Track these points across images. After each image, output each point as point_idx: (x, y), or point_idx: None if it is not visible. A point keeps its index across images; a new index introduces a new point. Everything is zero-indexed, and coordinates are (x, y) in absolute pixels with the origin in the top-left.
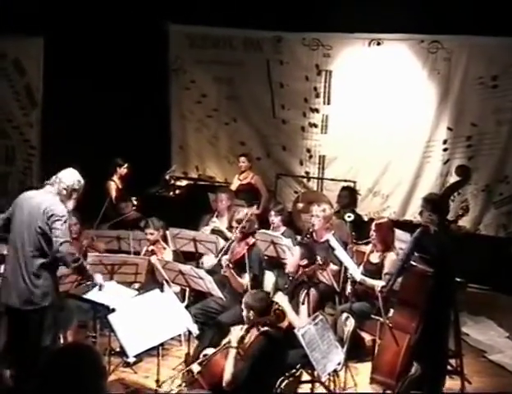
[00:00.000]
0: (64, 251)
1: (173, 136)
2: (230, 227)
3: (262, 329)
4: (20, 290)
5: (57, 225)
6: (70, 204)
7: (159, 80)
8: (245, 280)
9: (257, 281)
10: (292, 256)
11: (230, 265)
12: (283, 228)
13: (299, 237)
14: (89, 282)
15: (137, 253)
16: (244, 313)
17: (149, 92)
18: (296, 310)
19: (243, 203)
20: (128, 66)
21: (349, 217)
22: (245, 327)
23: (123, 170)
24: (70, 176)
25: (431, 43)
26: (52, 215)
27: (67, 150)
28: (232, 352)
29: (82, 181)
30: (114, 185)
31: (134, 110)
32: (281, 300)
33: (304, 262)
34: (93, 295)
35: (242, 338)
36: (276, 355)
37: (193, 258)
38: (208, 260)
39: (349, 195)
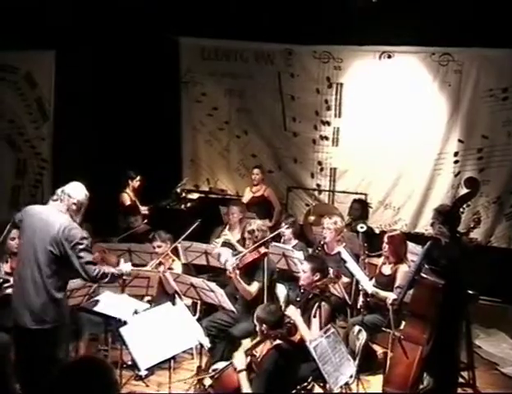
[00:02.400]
0: (97, 277)
1: (184, 149)
2: (242, 240)
3: (274, 343)
4: (33, 310)
5: (82, 253)
6: (78, 219)
7: (170, 92)
8: (253, 288)
9: (267, 292)
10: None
11: (237, 270)
12: (295, 241)
13: (310, 250)
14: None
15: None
16: (258, 326)
17: (160, 105)
18: (308, 324)
19: (254, 216)
20: (139, 79)
21: (361, 227)
22: (255, 340)
23: (135, 182)
24: (79, 191)
25: (442, 56)
26: (72, 241)
27: (79, 163)
28: (243, 376)
29: (88, 195)
30: (127, 197)
31: (145, 123)
32: (293, 313)
33: (317, 276)
34: (104, 308)
35: (254, 348)
36: (288, 368)
37: (205, 271)
38: (225, 255)
39: (361, 208)
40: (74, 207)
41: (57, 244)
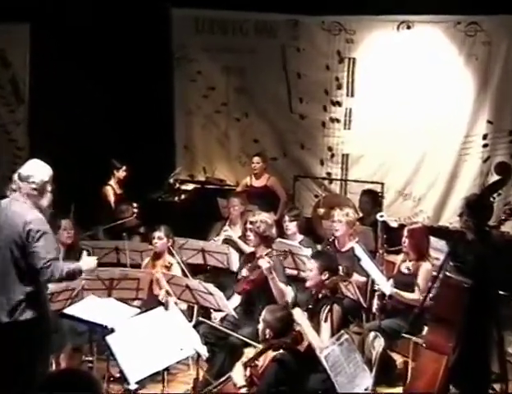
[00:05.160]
0: (49, 274)
1: (177, 135)
2: (243, 237)
3: (276, 353)
4: (7, 305)
5: (39, 242)
6: (46, 201)
7: (161, 71)
8: (288, 289)
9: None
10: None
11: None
12: (300, 236)
13: (319, 246)
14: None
15: (136, 266)
16: (261, 327)
17: (150, 85)
18: (318, 329)
19: (256, 209)
20: (125, 56)
21: (381, 216)
22: (258, 350)
23: (121, 173)
24: (36, 171)
25: (468, 26)
26: (30, 230)
27: (58, 151)
28: (244, 392)
29: (50, 169)
30: (111, 190)
31: (132, 105)
32: (300, 317)
33: (326, 275)
34: (89, 314)
35: (254, 360)
36: (291, 382)
37: (201, 271)
38: (234, 260)
39: (372, 200)
40: (34, 192)
41: (19, 244)
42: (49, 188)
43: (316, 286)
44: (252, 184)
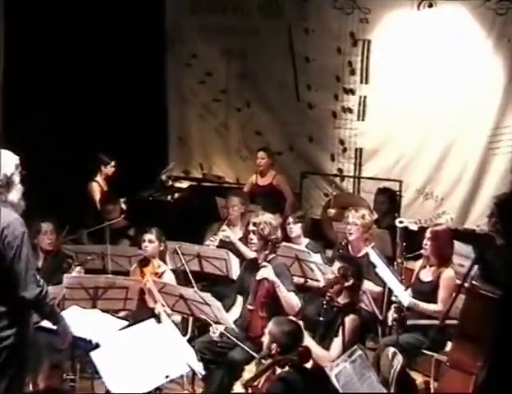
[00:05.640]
0: (39, 296)
1: (171, 125)
2: (244, 238)
3: (281, 371)
4: None
5: (21, 261)
6: (15, 195)
7: (152, 54)
8: (295, 298)
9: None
10: (323, 276)
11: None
12: (305, 240)
13: (330, 251)
14: None
15: (125, 273)
16: (265, 341)
17: (140, 70)
18: (328, 344)
19: (259, 209)
20: (113, 37)
21: (400, 222)
22: (261, 367)
23: (109, 169)
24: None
25: (499, 2)
26: (6, 237)
27: (35, 144)
28: None
29: (14, 157)
30: (98, 186)
31: (120, 93)
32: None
33: (350, 281)
34: (70, 326)
35: (255, 379)
36: None
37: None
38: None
39: (388, 200)
40: (0, 189)
41: None
42: (17, 179)
43: (336, 294)
44: (257, 182)
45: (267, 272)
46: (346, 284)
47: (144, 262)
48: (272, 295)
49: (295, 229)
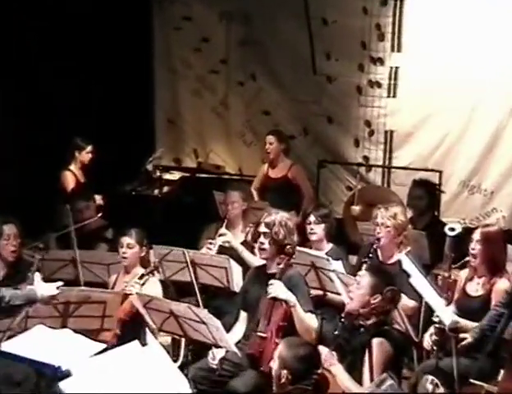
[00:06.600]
0: None
1: (158, 104)
2: (248, 242)
3: None
4: None
5: None
6: None
7: (135, 16)
8: (314, 321)
9: None
10: (345, 289)
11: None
12: (328, 245)
13: (354, 258)
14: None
15: (102, 285)
16: (275, 367)
17: (120, 35)
18: (353, 372)
19: (267, 206)
20: None
21: (451, 230)
22: None
23: (84, 155)
24: None
25: None
26: None
27: (2, 126)
28: None
29: None
30: (72, 176)
31: (98, 64)
32: (327, 357)
33: (377, 298)
34: (35, 350)
35: None
36: None
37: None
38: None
39: (426, 195)
40: None
41: None
42: None
43: (361, 311)
44: (267, 174)
45: (276, 290)
46: (373, 302)
47: (124, 271)
48: (292, 317)
49: (317, 231)
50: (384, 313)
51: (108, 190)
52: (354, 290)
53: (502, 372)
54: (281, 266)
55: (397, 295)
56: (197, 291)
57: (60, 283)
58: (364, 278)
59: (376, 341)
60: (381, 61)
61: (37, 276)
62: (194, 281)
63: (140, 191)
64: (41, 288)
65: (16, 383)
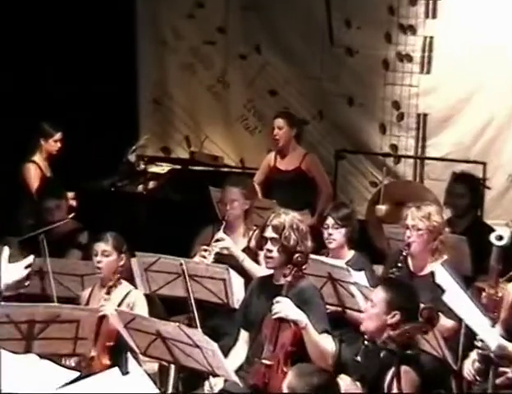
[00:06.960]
0: None
1: (142, 81)
2: (248, 250)
3: None
4: None
5: None
6: None
7: None
8: (331, 344)
9: None
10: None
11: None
12: (350, 253)
13: (379, 268)
14: None
15: (74, 300)
16: None
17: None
18: None
19: (275, 205)
20: None
21: (499, 238)
22: None
23: (52, 144)
24: None
25: None
26: None
27: None
28: None
29: None
30: (37, 169)
31: (73, 34)
32: (349, 387)
33: (396, 316)
34: None
35: None
36: None
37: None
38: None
39: (468, 191)
40: None
41: None
42: None
43: (376, 333)
44: (275, 165)
45: (283, 309)
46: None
47: (100, 283)
48: (302, 340)
49: (337, 236)
50: (405, 333)
51: (82, 187)
52: (368, 309)
53: None
54: (289, 278)
55: (435, 315)
56: (193, 308)
57: (30, 259)
58: (378, 294)
59: (406, 369)
60: (412, 29)
61: (3, 252)
62: (191, 295)
63: (121, 187)
64: (6, 270)
65: None
